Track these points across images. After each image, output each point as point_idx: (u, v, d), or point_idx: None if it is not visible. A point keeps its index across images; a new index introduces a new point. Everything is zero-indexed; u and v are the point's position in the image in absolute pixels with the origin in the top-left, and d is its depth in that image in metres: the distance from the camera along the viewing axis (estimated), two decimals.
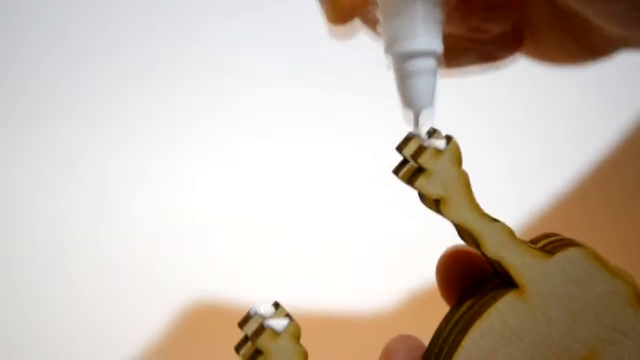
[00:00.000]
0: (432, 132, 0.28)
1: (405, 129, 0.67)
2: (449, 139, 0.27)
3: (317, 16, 0.75)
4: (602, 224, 0.64)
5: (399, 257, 0.64)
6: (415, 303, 0.60)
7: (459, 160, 0.27)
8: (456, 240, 0.53)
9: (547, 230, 0.30)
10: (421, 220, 0.64)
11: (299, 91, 0.72)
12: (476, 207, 0.27)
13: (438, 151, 0.27)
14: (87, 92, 0.71)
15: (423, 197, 0.28)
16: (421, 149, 0.27)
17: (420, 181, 0.27)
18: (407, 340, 0.29)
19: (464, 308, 0.28)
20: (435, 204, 0.28)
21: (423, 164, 0.27)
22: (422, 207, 0.30)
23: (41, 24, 0.73)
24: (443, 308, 0.30)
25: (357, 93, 0.72)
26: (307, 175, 0.69)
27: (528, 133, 0.70)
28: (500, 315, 0.28)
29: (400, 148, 0.28)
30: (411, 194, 0.31)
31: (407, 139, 0.28)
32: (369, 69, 0.73)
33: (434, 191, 0.27)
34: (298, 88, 0.72)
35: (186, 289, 0.63)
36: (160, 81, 0.72)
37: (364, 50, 0.74)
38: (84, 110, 0.71)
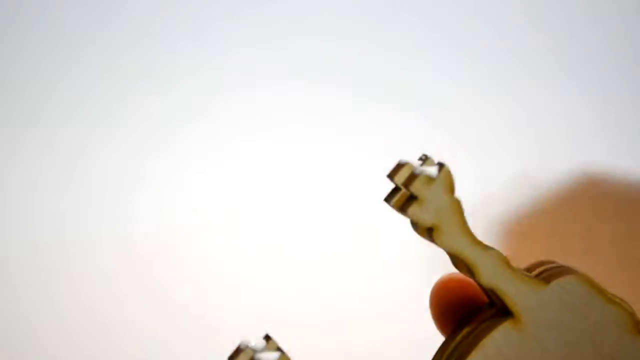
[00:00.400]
0: (424, 159, 0.27)
1: (403, 130, 0.66)
2: (440, 166, 0.26)
3: (316, 16, 0.74)
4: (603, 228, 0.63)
5: (396, 264, 0.63)
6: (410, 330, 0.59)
7: (451, 188, 0.26)
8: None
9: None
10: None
11: (298, 91, 0.71)
12: (470, 235, 0.26)
13: (430, 179, 0.26)
14: (86, 93, 0.71)
15: (415, 226, 0.27)
16: (413, 177, 0.26)
17: (413, 209, 0.26)
18: None
19: (459, 338, 0.27)
20: (428, 232, 0.26)
21: (415, 192, 0.26)
22: None
23: (41, 24, 0.72)
24: (437, 337, 0.29)
25: (356, 93, 0.71)
26: (307, 175, 0.68)
27: (528, 134, 0.69)
28: (495, 345, 0.26)
29: (391, 176, 0.27)
30: None
31: (399, 167, 0.27)
32: (368, 69, 0.73)
33: (426, 219, 0.26)
34: (298, 88, 0.71)
35: (185, 289, 0.62)
36: (159, 81, 0.71)
37: (364, 50, 0.74)
38: (84, 110, 0.70)
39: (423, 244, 0.61)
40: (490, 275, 0.26)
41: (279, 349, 0.25)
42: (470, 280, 0.28)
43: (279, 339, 0.55)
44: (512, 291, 0.27)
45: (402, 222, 0.64)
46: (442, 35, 0.73)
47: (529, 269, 0.28)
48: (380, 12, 0.74)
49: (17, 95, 0.70)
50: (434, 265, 0.62)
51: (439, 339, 0.29)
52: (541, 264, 0.28)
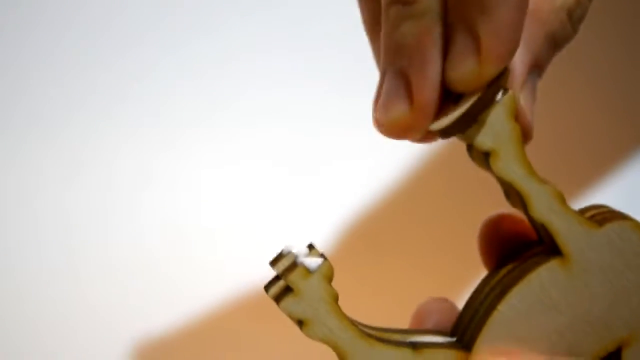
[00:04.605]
0: None
1: None
2: (505, 91, 0.24)
3: (331, 16, 0.72)
4: None
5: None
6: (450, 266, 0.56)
7: (512, 114, 0.24)
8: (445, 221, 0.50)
9: None
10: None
11: (310, 90, 0.69)
12: (527, 165, 0.24)
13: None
14: (93, 88, 0.68)
15: (472, 150, 0.25)
16: None
17: (473, 130, 0.24)
18: (439, 302, 0.26)
19: (503, 271, 0.25)
20: (484, 157, 0.24)
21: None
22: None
23: (44, 22, 0.70)
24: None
25: (372, 93, 0.69)
26: (318, 175, 0.66)
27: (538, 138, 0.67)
28: (541, 281, 0.24)
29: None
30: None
31: None
32: (374, 66, 0.71)
33: (485, 142, 0.24)
34: (310, 87, 0.69)
35: (193, 289, 0.59)
36: (167, 77, 0.69)
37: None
38: (90, 106, 0.68)
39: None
40: (544, 209, 0.24)
41: (322, 256, 0.23)
42: (523, 217, 0.26)
43: None
44: (564, 229, 0.24)
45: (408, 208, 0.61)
46: None
47: (581, 212, 0.26)
48: None
49: (20, 95, 0.68)
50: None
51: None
52: (594, 207, 0.26)
